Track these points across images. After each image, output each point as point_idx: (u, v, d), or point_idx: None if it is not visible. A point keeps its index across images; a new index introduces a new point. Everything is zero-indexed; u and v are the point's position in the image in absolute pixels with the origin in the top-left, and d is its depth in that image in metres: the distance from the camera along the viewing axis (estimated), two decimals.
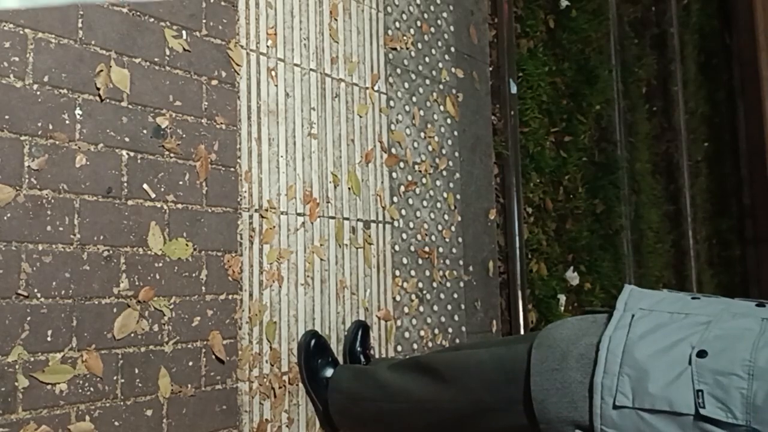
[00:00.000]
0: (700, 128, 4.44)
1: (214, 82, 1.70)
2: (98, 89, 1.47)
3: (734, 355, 1.09)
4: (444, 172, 2.39)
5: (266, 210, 1.78)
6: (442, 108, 2.41)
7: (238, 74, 1.75)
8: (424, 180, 2.30)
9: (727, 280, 4.48)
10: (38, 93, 1.38)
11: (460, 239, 2.42)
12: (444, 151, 2.40)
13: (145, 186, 1.53)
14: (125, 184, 1.50)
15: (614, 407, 1.16)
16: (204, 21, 1.69)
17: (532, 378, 1.28)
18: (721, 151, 4.69)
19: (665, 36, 4.13)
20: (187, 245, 1.60)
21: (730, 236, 4.64)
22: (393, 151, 2.19)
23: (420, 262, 2.25)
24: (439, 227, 2.34)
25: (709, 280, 4.26)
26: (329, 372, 1.80)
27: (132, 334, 1.49)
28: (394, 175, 2.19)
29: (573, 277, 2.99)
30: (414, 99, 2.30)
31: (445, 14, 2.48)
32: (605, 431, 1.17)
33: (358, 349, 1.93)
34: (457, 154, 2.45)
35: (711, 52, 4.66)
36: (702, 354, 1.11)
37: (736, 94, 4.86)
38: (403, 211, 2.21)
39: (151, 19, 1.58)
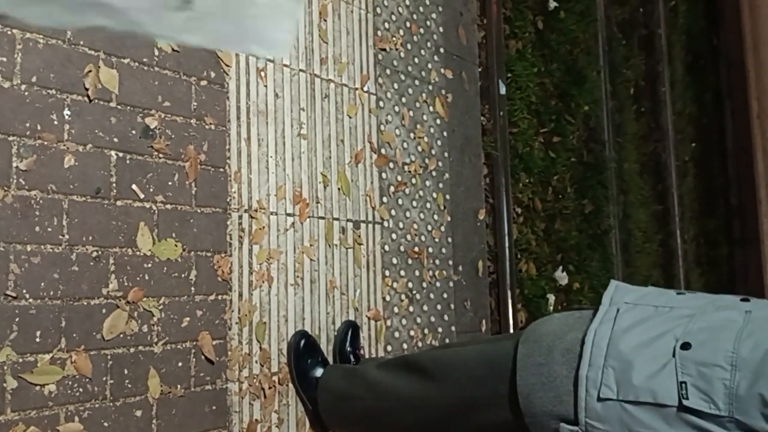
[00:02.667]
0: (688, 128, 4.47)
1: (203, 83, 1.70)
2: (87, 90, 1.46)
3: (717, 347, 1.10)
4: (433, 173, 2.39)
5: (256, 210, 1.78)
6: (431, 108, 2.42)
7: (227, 75, 1.75)
8: (413, 180, 2.31)
9: (714, 279, 4.51)
10: (26, 93, 1.38)
11: (449, 239, 2.43)
12: (433, 152, 2.41)
13: (134, 186, 1.53)
14: (114, 185, 1.50)
15: (599, 399, 1.17)
16: None
17: (518, 373, 1.29)
18: (709, 151, 4.72)
19: (653, 37, 4.15)
20: (176, 246, 1.60)
21: (717, 236, 4.67)
22: (383, 151, 2.19)
23: (410, 262, 2.26)
24: (429, 227, 2.35)
25: (696, 280, 4.29)
26: (319, 372, 1.81)
27: (121, 335, 1.49)
28: (383, 175, 2.19)
29: (562, 276, 3.01)
30: (403, 99, 2.31)
31: (434, 15, 2.49)
32: (590, 424, 1.18)
33: (348, 349, 1.94)
34: (446, 154, 2.46)
35: (698, 53, 4.69)
36: (686, 346, 1.12)
37: (724, 94, 4.89)
38: (393, 212, 2.22)
39: None
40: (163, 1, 0.44)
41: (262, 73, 1.84)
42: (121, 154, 1.52)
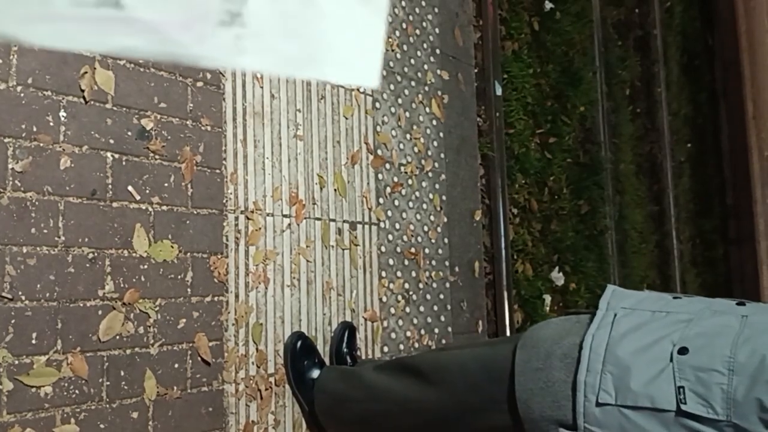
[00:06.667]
0: (683, 129, 4.48)
1: (199, 84, 1.69)
2: (83, 91, 1.46)
3: (714, 352, 1.10)
4: (430, 173, 2.40)
5: (252, 212, 1.78)
6: (427, 109, 2.42)
7: (223, 76, 1.75)
8: (410, 181, 2.31)
9: (710, 279, 4.52)
10: (22, 95, 1.37)
11: (446, 240, 2.43)
12: (430, 153, 2.41)
13: (129, 188, 1.53)
14: (110, 186, 1.50)
15: (597, 405, 1.17)
16: None
17: (516, 378, 1.29)
18: (704, 151, 4.73)
19: (648, 38, 4.16)
20: (172, 247, 1.60)
21: (713, 236, 4.68)
22: (379, 152, 2.20)
23: (406, 263, 2.26)
24: (425, 228, 2.35)
25: (692, 280, 4.30)
26: (315, 373, 1.80)
27: (117, 337, 1.48)
28: (380, 176, 2.19)
29: (558, 277, 3.01)
30: (400, 101, 2.31)
31: (430, 16, 2.49)
32: (589, 429, 1.18)
33: (345, 350, 1.94)
34: (442, 155, 2.46)
35: (694, 54, 4.70)
36: (683, 351, 1.13)
37: (719, 95, 4.91)
38: (389, 212, 2.22)
39: None
40: (204, 13, 0.41)
41: (258, 75, 1.84)
42: (117, 156, 1.51)
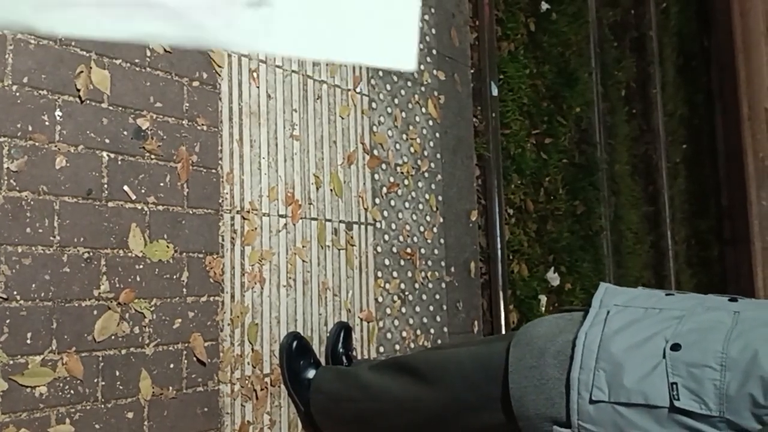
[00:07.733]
0: (679, 130, 4.49)
1: (196, 84, 1.69)
2: (78, 90, 1.46)
3: (707, 348, 1.11)
4: (426, 174, 2.40)
5: (248, 211, 1.78)
6: (423, 110, 2.42)
7: (219, 76, 1.75)
8: (406, 181, 2.31)
9: (705, 280, 4.53)
10: (18, 94, 1.37)
11: (442, 240, 2.43)
12: (426, 153, 2.41)
13: (125, 188, 1.53)
14: (105, 186, 1.50)
15: (591, 402, 1.18)
16: None
17: (510, 376, 1.30)
18: (700, 152, 4.74)
19: (644, 39, 4.17)
20: (168, 247, 1.60)
21: (708, 237, 4.69)
22: (375, 152, 2.20)
23: (402, 263, 2.26)
24: (421, 228, 2.35)
25: (687, 281, 4.31)
26: (311, 373, 1.80)
27: (113, 337, 1.48)
28: (376, 176, 2.19)
29: (554, 277, 3.01)
30: (396, 101, 2.31)
31: (426, 17, 2.50)
32: (582, 426, 1.18)
33: (341, 350, 1.94)
34: (438, 155, 2.46)
35: (689, 55, 4.71)
36: (676, 347, 1.13)
37: (714, 96, 4.92)
38: (386, 213, 2.22)
39: None
40: None
41: (255, 74, 1.84)
42: (112, 155, 1.51)
